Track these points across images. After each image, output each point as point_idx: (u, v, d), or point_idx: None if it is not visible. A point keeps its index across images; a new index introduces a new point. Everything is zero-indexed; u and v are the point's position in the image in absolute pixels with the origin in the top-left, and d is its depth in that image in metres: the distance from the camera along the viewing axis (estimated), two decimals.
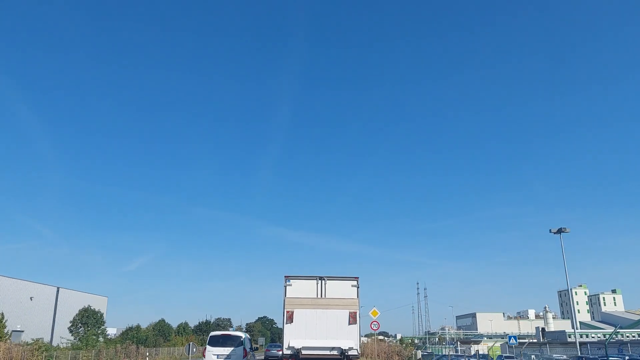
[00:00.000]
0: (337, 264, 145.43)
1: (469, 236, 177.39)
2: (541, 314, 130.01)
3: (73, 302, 58.83)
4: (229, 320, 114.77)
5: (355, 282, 18.49)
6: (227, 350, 22.40)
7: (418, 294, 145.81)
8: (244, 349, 22.62)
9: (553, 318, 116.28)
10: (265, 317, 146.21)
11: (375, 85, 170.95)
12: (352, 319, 17.80)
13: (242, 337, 23.76)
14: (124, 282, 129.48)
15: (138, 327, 61.95)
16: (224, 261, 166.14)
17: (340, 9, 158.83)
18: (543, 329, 78.44)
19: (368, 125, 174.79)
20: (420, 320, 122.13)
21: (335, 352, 17.37)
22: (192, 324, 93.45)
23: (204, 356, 22.78)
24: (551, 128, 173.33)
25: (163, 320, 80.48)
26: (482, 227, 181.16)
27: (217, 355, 22.32)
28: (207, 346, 23.07)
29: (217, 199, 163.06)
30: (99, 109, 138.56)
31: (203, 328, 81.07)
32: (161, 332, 72.63)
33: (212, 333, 25.05)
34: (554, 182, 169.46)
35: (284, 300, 17.89)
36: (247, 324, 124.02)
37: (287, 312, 17.66)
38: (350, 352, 17.40)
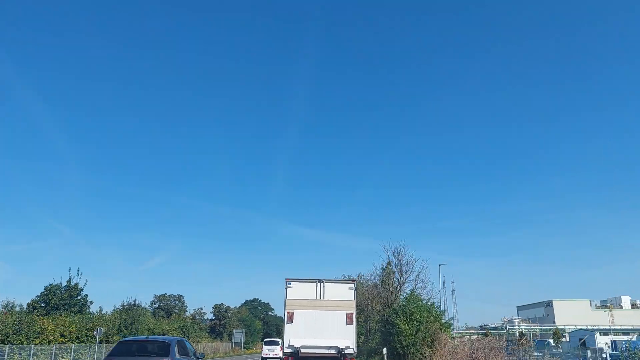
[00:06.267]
0: (355, 262, 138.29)
1: (494, 231, 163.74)
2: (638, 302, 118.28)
3: None
4: (179, 298, 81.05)
5: (352, 285, 20.00)
6: (273, 348, 40.77)
7: (444, 288, 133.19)
8: (281, 346, 37.40)
9: None
10: (256, 299, 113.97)
11: (393, 76, 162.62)
12: (349, 319, 19.17)
13: (279, 340, 41.57)
14: (144, 279, 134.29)
15: None
16: (238, 260, 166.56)
17: (355, 8, 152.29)
18: None
19: (385, 120, 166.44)
20: (447, 315, 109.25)
21: (332, 351, 18.85)
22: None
23: (261, 350, 40.46)
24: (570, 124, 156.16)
25: None
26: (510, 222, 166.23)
27: (269, 349, 41.10)
28: (264, 345, 42.82)
29: (232, 196, 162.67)
30: (115, 108, 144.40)
31: (52, 301, 37.66)
32: None
33: (266, 339, 46.12)
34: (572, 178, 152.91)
35: (285, 301, 19.59)
36: (215, 307, 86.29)
37: (288, 312, 19.36)
38: (347, 351, 18.80)
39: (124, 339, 15.67)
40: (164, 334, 45.03)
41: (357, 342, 41.70)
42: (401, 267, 35.06)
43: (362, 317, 48.95)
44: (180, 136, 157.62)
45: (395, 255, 35.27)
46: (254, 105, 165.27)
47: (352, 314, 19.25)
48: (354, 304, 19.56)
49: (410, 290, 32.10)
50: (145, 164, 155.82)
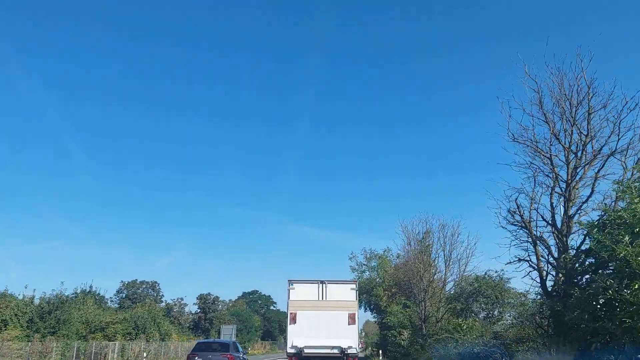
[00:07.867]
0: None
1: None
2: None
3: None
4: (153, 285, 68.25)
5: (354, 286, 20.51)
6: None
7: None
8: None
9: None
10: (256, 292, 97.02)
11: (411, 60, 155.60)
12: (351, 319, 19.56)
13: None
14: (154, 278, 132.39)
15: None
16: (238, 255, 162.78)
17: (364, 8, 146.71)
18: None
19: (398, 110, 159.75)
20: None
21: (335, 351, 19.20)
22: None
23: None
24: None
25: None
26: None
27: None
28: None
29: (235, 194, 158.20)
30: (126, 111, 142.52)
31: None
32: None
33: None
34: None
35: (288, 302, 19.97)
36: (200, 297, 70.38)
37: (291, 313, 19.74)
38: (349, 351, 19.13)
39: (201, 341, 25.43)
40: (102, 329, 38.32)
41: (398, 342, 34.66)
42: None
43: (399, 298, 35.40)
44: (184, 133, 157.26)
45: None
46: (263, 95, 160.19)
47: (354, 313, 19.69)
48: (356, 304, 20.06)
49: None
50: (150, 163, 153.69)
